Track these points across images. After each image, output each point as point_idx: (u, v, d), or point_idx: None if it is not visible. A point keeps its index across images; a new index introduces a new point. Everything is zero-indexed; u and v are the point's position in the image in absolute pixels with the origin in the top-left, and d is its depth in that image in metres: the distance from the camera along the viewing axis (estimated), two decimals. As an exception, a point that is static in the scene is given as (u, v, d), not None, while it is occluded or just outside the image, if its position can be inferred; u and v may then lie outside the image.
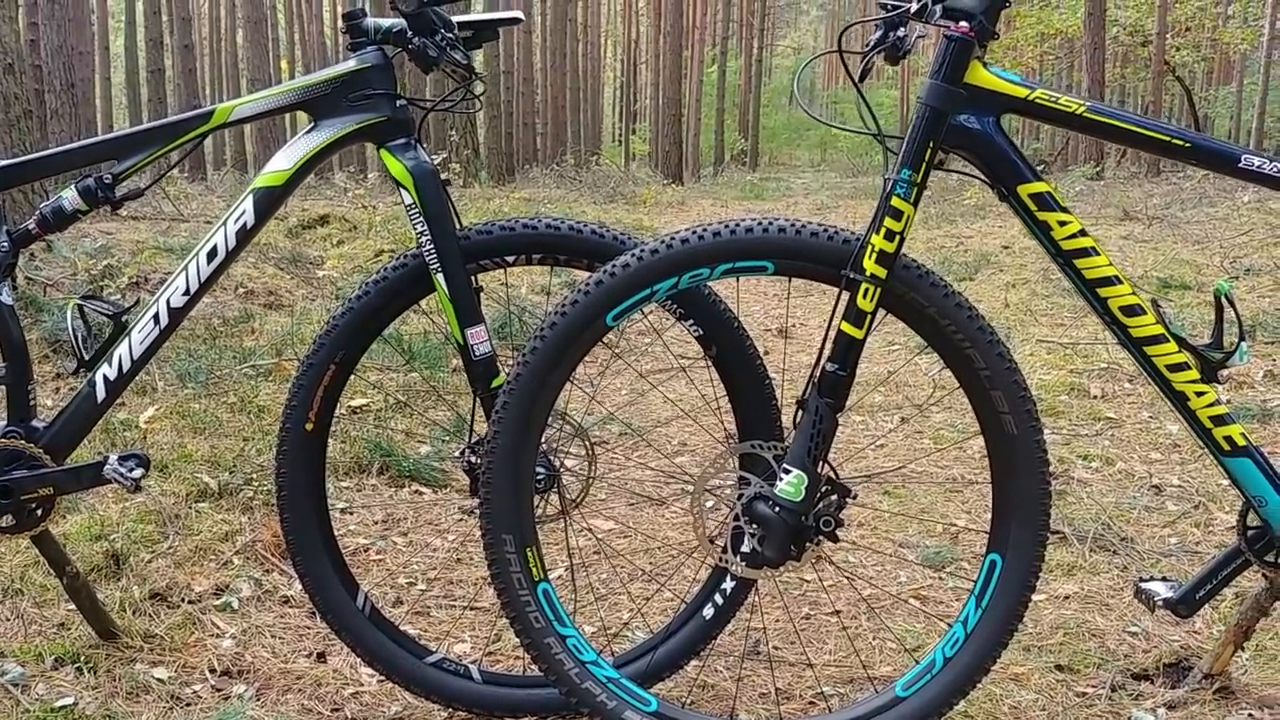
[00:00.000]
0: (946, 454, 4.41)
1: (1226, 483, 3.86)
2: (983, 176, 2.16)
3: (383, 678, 2.52)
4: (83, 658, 2.59)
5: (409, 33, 2.32)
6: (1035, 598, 2.91)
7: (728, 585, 2.55)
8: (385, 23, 2.36)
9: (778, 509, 2.13)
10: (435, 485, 3.99)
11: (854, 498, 2.22)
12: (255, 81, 23.71)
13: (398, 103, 2.36)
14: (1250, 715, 2.45)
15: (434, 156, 2.54)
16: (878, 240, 2.07)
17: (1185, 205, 13.12)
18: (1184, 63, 28.91)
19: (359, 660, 2.52)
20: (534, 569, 2.20)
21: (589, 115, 43.17)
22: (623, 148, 44.70)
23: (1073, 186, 15.04)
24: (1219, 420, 2.18)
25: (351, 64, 2.35)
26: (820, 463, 2.14)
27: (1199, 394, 2.17)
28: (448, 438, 4.31)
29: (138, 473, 2.39)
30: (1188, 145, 2.15)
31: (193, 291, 2.37)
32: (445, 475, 4.04)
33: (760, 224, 2.13)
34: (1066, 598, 3.09)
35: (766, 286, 8.11)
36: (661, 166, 30.24)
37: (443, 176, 2.41)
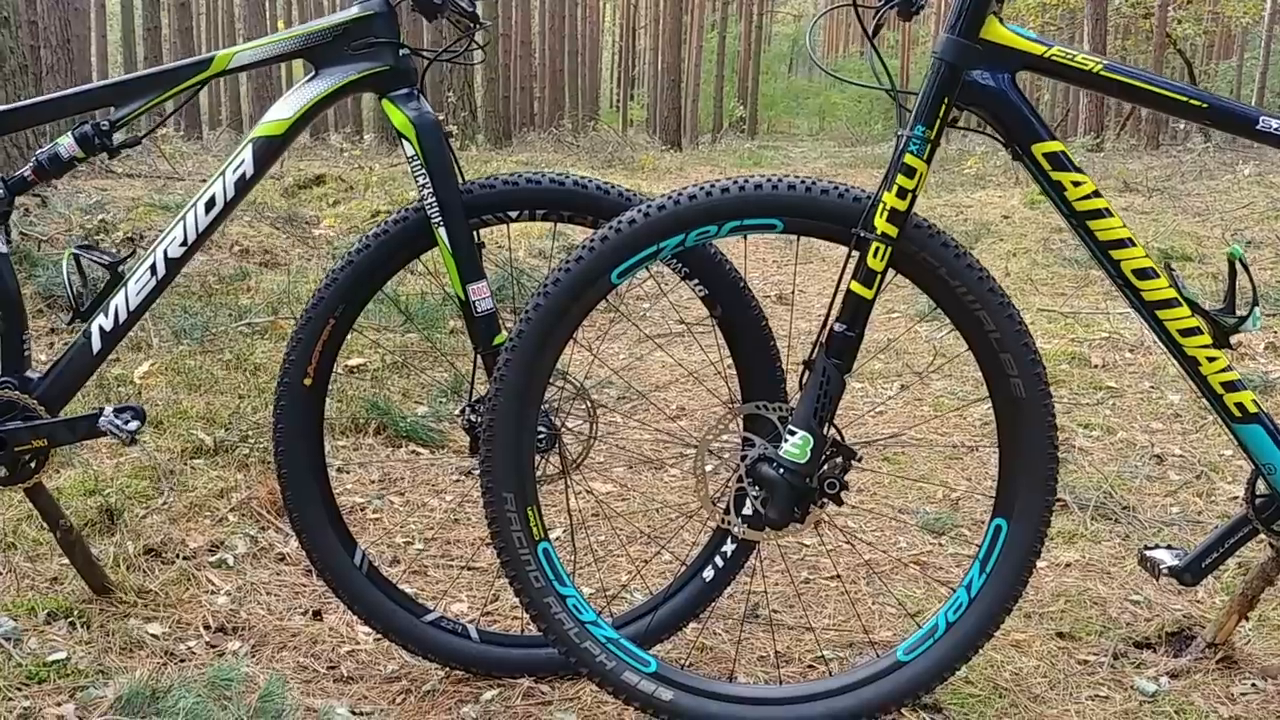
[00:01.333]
0: (947, 421, 4.38)
1: (1229, 453, 3.88)
2: (996, 135, 2.13)
3: (379, 636, 2.50)
4: (76, 612, 2.56)
5: (413, -22, 2.28)
6: (1037, 565, 2.90)
7: (728, 548, 2.53)
8: (389, -32, 2.31)
9: (782, 470, 2.11)
10: (432, 445, 3.96)
11: (859, 460, 2.19)
12: (251, 39, 23.55)
13: (401, 52, 2.31)
14: (1254, 685, 2.43)
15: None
16: (889, 198, 2.03)
17: (1185, 178, 13.09)
18: (1185, 35, 28.79)
19: (355, 618, 2.50)
20: (534, 528, 2.17)
21: (587, 80, 42.91)
22: (620, 113, 44.44)
23: (1072, 157, 14.98)
24: (1230, 386, 2.15)
25: (354, 11, 2.31)
26: (826, 425, 2.11)
27: (1210, 359, 2.14)
28: (445, 398, 4.29)
29: (133, 425, 2.36)
30: (1206, 106, 2.11)
31: (190, 242, 2.33)
32: (442, 435, 4.01)
33: (770, 181, 2.09)
34: (1068, 565, 3.07)
35: (766, 253, 8.07)
36: (659, 132, 30.06)
37: (446, 130, 2.36)
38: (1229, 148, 15.47)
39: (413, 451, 3.92)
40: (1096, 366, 5.14)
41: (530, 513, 2.16)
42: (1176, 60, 28.64)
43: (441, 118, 2.37)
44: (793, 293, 6.49)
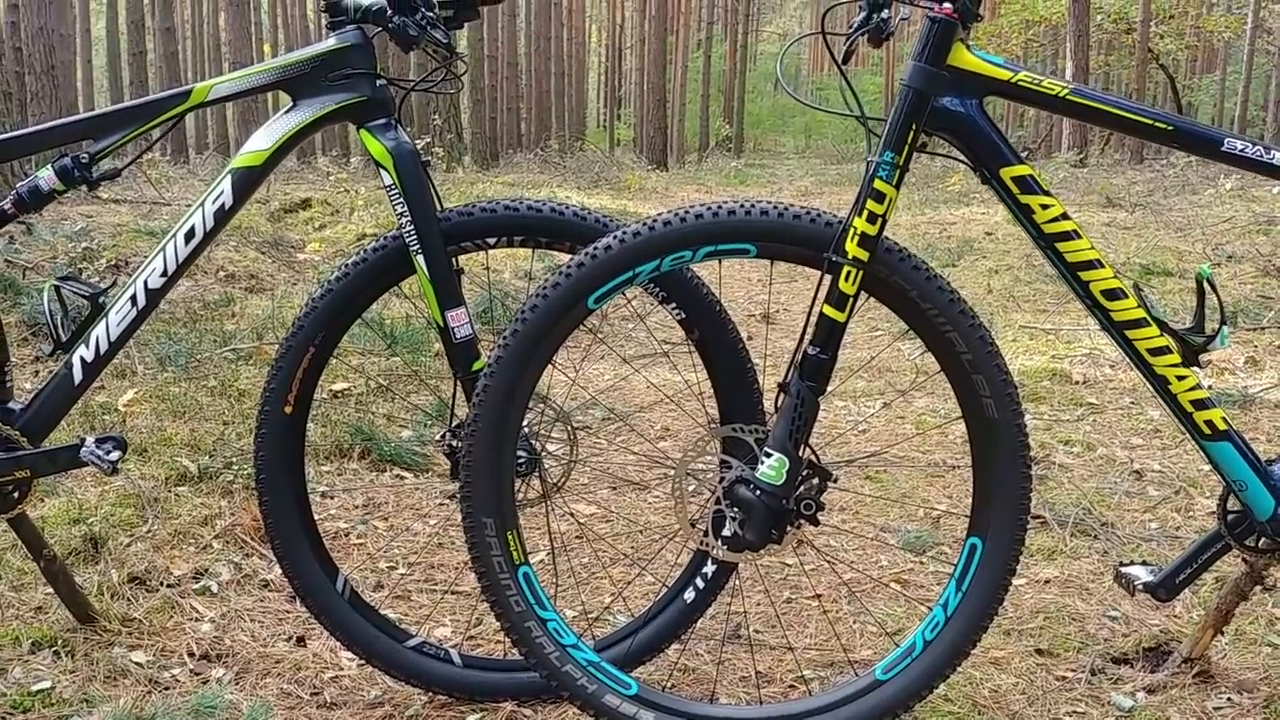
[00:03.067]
0: (928, 439, 4.41)
1: (1207, 468, 3.88)
2: (965, 159, 2.16)
3: (362, 661, 2.51)
4: (60, 641, 2.57)
5: (389, 11, 2.30)
6: (1016, 582, 2.91)
7: (709, 569, 2.55)
8: (365, 1, 2.33)
9: (759, 492, 2.13)
10: (417, 469, 3.98)
11: (835, 481, 2.21)
12: (238, 65, 23.53)
13: (377, 82, 2.34)
14: (1229, 699, 2.45)
15: (417, 140, 2.51)
16: (860, 223, 2.06)
17: (1168, 192, 13.17)
18: (1168, 50, 28.97)
19: (339, 644, 2.51)
20: (515, 552, 2.19)
21: (573, 100, 43.00)
22: (608, 133, 44.59)
23: (1056, 174, 15.08)
24: (1200, 404, 2.18)
25: (331, 43, 2.33)
26: (802, 446, 2.13)
27: (1180, 378, 2.17)
28: (429, 422, 4.30)
29: (115, 455, 2.37)
30: (1171, 129, 2.14)
31: (170, 273, 2.35)
32: (427, 460, 4.03)
33: (743, 206, 2.12)
34: (1047, 582, 3.09)
35: (750, 272, 8.10)
36: (646, 152, 30.19)
37: (424, 159, 2.39)
38: (1211, 163, 15.57)
39: (397, 476, 3.93)
40: (1077, 383, 5.18)
41: (510, 537, 2.18)
42: (1159, 75, 28.85)
43: (427, 140, 2.41)
44: (767, 319, 6.52)
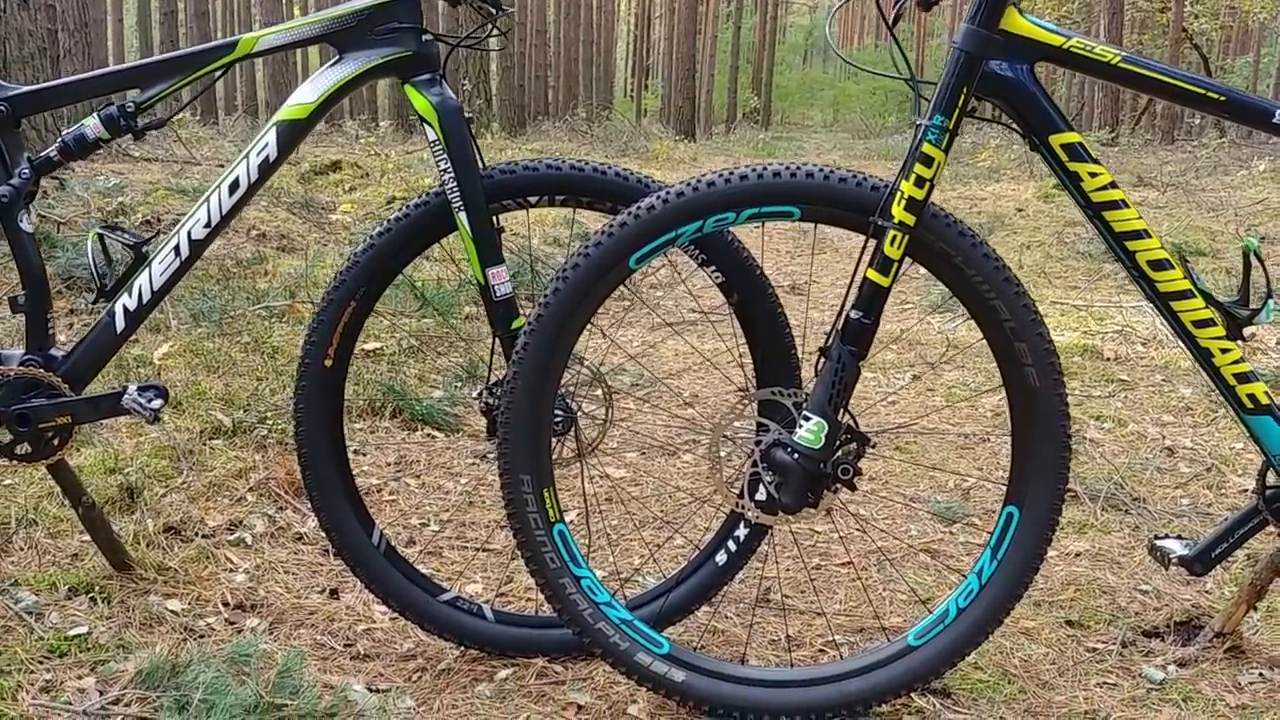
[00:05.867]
0: (959, 411, 4.40)
1: (1240, 446, 3.89)
2: (1014, 125, 2.14)
3: (396, 614, 2.53)
4: (97, 588, 2.60)
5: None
6: (1047, 554, 2.92)
7: (741, 532, 2.55)
8: (411, -45, 2.32)
9: (796, 456, 2.13)
10: (448, 429, 3.99)
11: (873, 446, 2.21)
12: (268, 24, 23.55)
13: (423, 37, 2.33)
14: (1261, 674, 2.45)
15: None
16: (907, 186, 2.05)
17: (1200, 173, 13.07)
18: (1202, 30, 28.69)
19: (372, 597, 2.53)
20: (550, 510, 2.20)
21: (601, 69, 42.85)
22: (635, 103, 44.43)
23: (1089, 149, 14.94)
24: (1243, 377, 2.17)
25: (378, -3, 2.33)
26: (841, 411, 2.13)
27: (1224, 350, 2.15)
28: (460, 383, 4.31)
29: (156, 403, 2.39)
30: (1223, 99, 2.12)
31: (214, 224, 2.36)
32: (458, 420, 4.04)
33: (788, 168, 2.11)
34: (1078, 555, 3.09)
35: (780, 243, 8.08)
36: (674, 122, 30.05)
37: (468, 115, 2.39)
38: (1244, 143, 15.44)
39: (428, 435, 3.95)
40: (1109, 359, 5.16)
41: (546, 494, 2.19)
42: (1193, 55, 28.54)
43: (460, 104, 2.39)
44: (808, 282, 6.51)
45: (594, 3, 41.43)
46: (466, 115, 2.37)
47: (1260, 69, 32.24)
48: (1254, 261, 2.17)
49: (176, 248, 2.35)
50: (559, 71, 37.43)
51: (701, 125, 34.04)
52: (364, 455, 3.66)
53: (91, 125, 2.33)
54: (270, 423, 3.59)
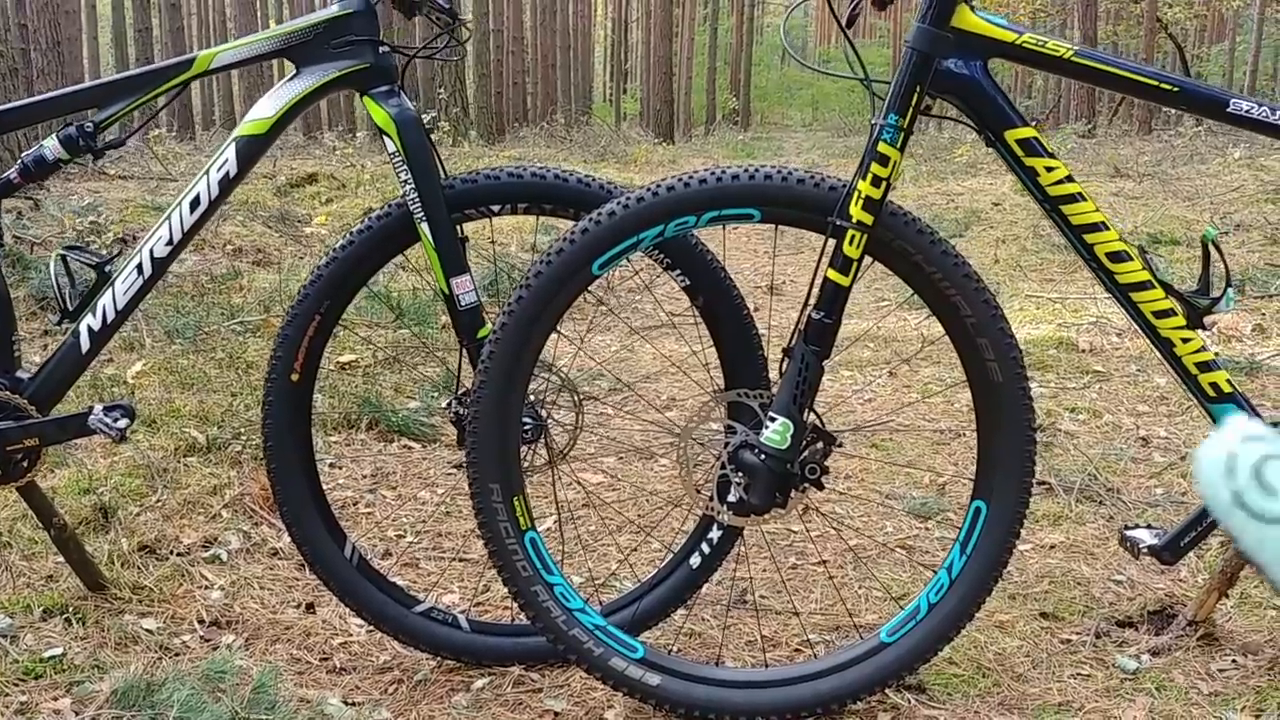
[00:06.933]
0: (934, 407, 4.41)
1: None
2: (970, 122, 2.15)
3: (371, 627, 2.53)
4: (71, 609, 2.59)
5: (390, -24, 2.30)
6: (1020, 547, 2.94)
7: (714, 535, 2.55)
8: (366, -33, 2.33)
9: (763, 456, 2.14)
10: (424, 440, 3.99)
11: (839, 445, 2.22)
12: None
13: (380, 49, 2.33)
14: (1234, 661, 2.46)
15: (423, 115, 2.51)
16: (864, 186, 2.06)
17: (1176, 162, 13.10)
18: (1176, 20, 28.77)
19: (347, 610, 2.53)
20: (521, 518, 2.20)
21: (579, 74, 42.85)
22: (614, 107, 44.46)
23: (1064, 144, 14.98)
24: (1204, 366, 2.18)
25: (333, 10, 2.33)
26: (806, 411, 2.14)
27: (1185, 340, 2.17)
28: (436, 393, 4.31)
29: (123, 423, 2.38)
30: (1176, 90, 2.14)
31: (175, 241, 2.36)
32: (434, 430, 4.04)
33: (747, 171, 2.12)
34: (1052, 547, 3.10)
35: (756, 244, 8.09)
36: (653, 126, 30.11)
37: (427, 126, 2.39)
38: (1220, 132, 15.47)
39: (405, 446, 3.94)
40: (1084, 351, 5.18)
41: (516, 503, 2.19)
42: (1168, 45, 28.65)
43: (433, 115, 2.39)
44: (773, 290, 6.52)
45: (570, 8, 41.45)
46: (427, 126, 2.38)
47: (1236, 56, 32.36)
48: (1213, 251, 2.18)
49: (139, 266, 2.35)
50: (536, 78, 37.41)
51: (681, 128, 34.08)
52: (339, 468, 3.66)
53: (50, 146, 2.33)
54: (244, 438, 3.58)
